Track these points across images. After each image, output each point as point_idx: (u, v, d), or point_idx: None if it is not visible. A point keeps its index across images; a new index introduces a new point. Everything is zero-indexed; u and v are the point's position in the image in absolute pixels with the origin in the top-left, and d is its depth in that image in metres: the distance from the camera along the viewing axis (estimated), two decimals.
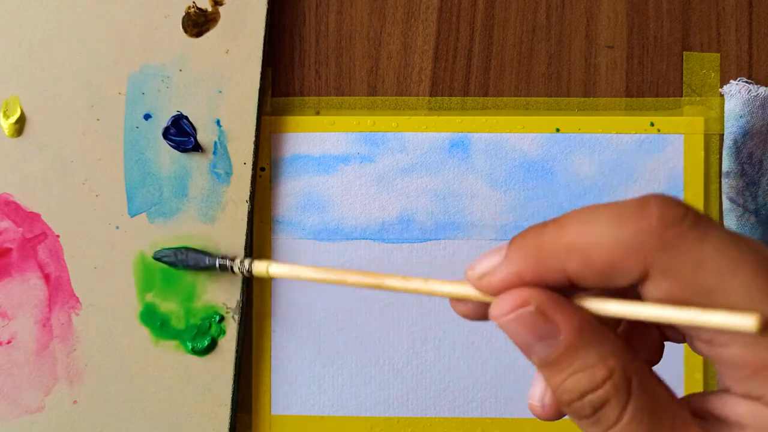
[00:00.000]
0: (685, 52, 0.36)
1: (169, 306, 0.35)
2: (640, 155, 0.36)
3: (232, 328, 0.35)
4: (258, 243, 0.36)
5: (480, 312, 0.21)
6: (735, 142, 0.35)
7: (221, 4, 0.35)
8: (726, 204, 0.35)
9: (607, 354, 0.18)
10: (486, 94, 0.36)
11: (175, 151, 0.35)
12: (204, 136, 0.35)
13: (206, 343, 0.35)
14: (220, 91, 0.35)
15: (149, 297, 0.35)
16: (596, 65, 0.36)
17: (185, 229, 0.35)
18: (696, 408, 0.20)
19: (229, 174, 0.35)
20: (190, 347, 0.35)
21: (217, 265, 0.32)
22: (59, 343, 0.35)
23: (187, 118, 0.35)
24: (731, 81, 0.36)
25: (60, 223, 0.35)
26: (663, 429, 0.18)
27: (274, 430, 0.36)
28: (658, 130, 0.36)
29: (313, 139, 0.36)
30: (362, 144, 0.36)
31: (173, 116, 0.35)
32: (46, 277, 0.35)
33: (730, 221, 0.35)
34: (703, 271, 0.17)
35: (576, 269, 0.18)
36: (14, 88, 0.35)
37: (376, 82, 0.36)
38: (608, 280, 0.18)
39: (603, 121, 0.36)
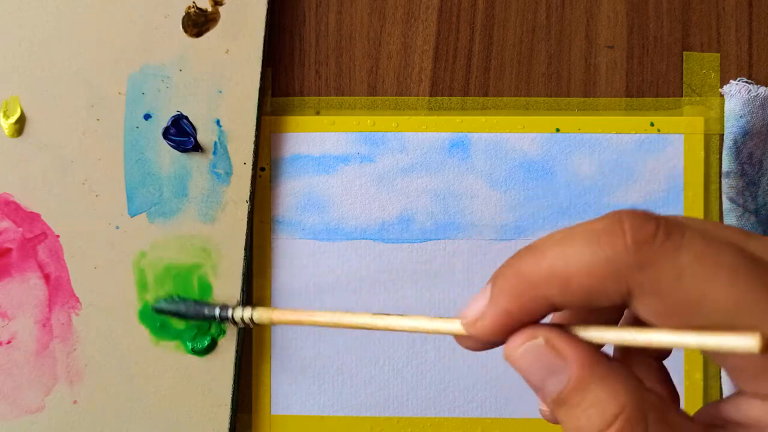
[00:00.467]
0: (685, 52, 0.36)
1: None
2: (640, 155, 0.36)
3: (232, 328, 0.35)
4: (258, 243, 0.36)
5: (486, 345, 0.21)
6: (735, 142, 0.35)
7: (221, 4, 0.35)
8: (726, 204, 0.35)
9: (618, 388, 0.18)
10: (486, 94, 0.36)
11: (175, 151, 0.35)
12: (204, 136, 0.35)
13: (206, 343, 0.35)
14: (220, 91, 0.35)
15: (149, 297, 0.35)
16: (596, 65, 0.36)
17: (185, 229, 0.35)
18: (713, 416, 0.20)
19: (229, 174, 0.35)
20: (190, 347, 0.35)
21: (217, 315, 0.28)
22: (59, 343, 0.35)
23: (187, 118, 0.35)
24: (731, 81, 0.36)
25: (60, 223, 0.35)
26: None
27: (274, 430, 0.36)
28: (658, 130, 0.36)
29: (313, 139, 0.36)
30: (362, 144, 0.36)
31: (173, 116, 0.35)
32: (46, 277, 0.35)
33: (730, 221, 0.35)
34: (683, 282, 0.17)
35: (557, 296, 0.18)
36: (14, 88, 0.35)
37: (376, 82, 0.36)
38: (591, 302, 0.18)
39: (603, 121, 0.36)
